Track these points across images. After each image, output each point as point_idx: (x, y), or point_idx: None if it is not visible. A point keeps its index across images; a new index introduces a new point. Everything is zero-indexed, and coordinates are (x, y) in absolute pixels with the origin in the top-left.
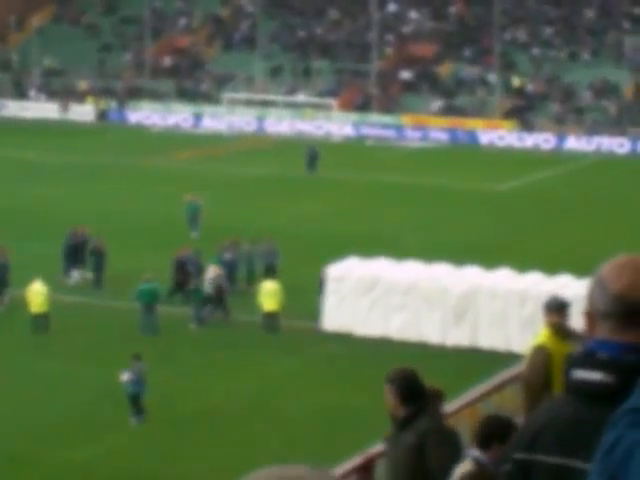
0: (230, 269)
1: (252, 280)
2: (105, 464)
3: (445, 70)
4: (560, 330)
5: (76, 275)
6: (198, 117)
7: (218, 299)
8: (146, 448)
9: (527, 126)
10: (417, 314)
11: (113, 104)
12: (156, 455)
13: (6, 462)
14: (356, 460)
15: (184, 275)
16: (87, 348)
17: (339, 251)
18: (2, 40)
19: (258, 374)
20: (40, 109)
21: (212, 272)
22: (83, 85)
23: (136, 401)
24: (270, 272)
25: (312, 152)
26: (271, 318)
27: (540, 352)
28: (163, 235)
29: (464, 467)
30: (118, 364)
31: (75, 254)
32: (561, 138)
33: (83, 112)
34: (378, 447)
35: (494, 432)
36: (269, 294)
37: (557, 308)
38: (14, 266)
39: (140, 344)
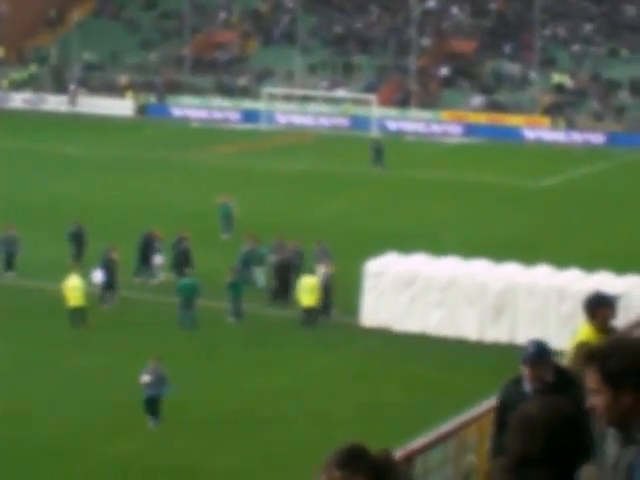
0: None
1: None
2: (142, 458)
3: (485, 66)
4: (605, 326)
5: (261, 278)
6: (238, 112)
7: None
8: (183, 442)
9: (567, 122)
10: (455, 310)
11: (152, 99)
12: (193, 450)
13: (44, 455)
14: (396, 455)
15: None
16: (126, 343)
17: (378, 247)
18: (43, 34)
19: (296, 369)
20: (81, 104)
21: (325, 268)
22: (123, 80)
23: (154, 404)
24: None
25: (377, 146)
26: (309, 313)
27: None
28: (201, 231)
29: None
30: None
31: (147, 254)
32: (601, 135)
33: (123, 107)
34: (417, 442)
35: None
36: (308, 289)
37: (607, 304)
38: (53, 262)
39: (179, 339)
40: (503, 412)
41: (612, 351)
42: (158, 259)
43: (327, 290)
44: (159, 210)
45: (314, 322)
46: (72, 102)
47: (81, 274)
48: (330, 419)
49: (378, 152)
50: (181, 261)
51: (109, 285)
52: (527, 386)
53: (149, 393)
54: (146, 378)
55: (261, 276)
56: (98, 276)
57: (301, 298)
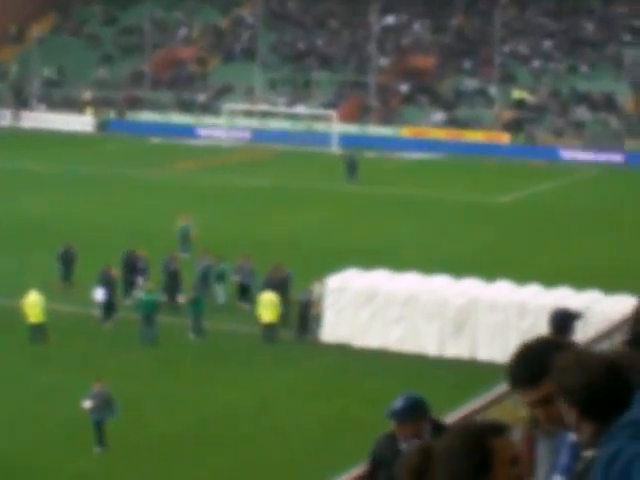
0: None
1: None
2: (95, 478)
3: (445, 82)
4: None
5: (222, 295)
6: (198, 128)
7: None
8: (139, 461)
9: (528, 138)
10: (416, 326)
11: (113, 115)
12: (150, 469)
13: (3, 472)
14: (357, 471)
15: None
16: (86, 359)
17: (338, 263)
18: (3, 50)
19: (257, 385)
20: (40, 119)
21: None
22: (86, 95)
23: (99, 429)
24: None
25: (351, 160)
26: (269, 329)
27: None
28: (160, 248)
29: None
30: (116, 374)
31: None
32: (560, 151)
33: (83, 122)
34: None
35: None
36: (268, 305)
37: (575, 318)
38: (14, 276)
39: (139, 354)
40: (376, 469)
41: (569, 366)
42: (141, 280)
43: (309, 307)
44: (119, 227)
45: (274, 338)
46: (16, 118)
47: (70, 294)
48: (292, 435)
49: (351, 166)
50: (172, 282)
51: (110, 303)
52: (402, 444)
53: (94, 418)
54: (87, 404)
55: (222, 292)
56: (99, 294)
57: (261, 314)
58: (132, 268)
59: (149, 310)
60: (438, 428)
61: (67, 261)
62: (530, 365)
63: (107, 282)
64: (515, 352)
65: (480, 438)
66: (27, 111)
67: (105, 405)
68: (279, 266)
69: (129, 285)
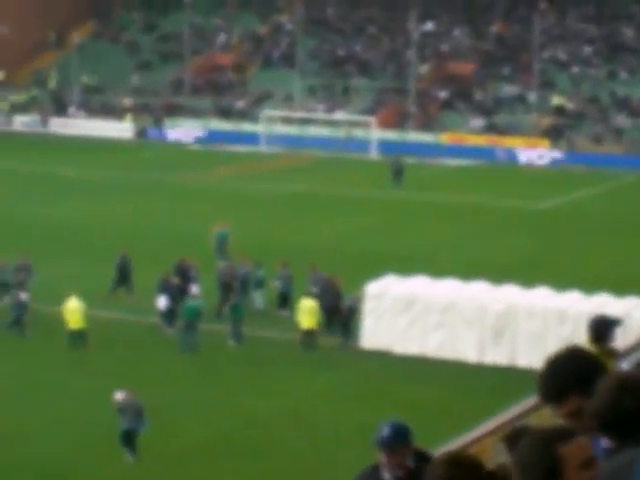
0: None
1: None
2: None
3: (484, 88)
4: (611, 348)
5: (260, 301)
6: (237, 134)
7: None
8: (180, 465)
9: (568, 145)
10: (455, 332)
11: (151, 121)
12: (192, 473)
13: (37, 477)
14: None
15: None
16: (124, 366)
17: (377, 269)
18: (43, 57)
19: (295, 392)
20: (80, 126)
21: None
22: (125, 102)
23: (130, 438)
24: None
25: (397, 165)
26: (309, 336)
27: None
28: (199, 254)
29: None
30: (155, 381)
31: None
32: (600, 157)
33: (122, 129)
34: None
35: None
36: (307, 312)
37: (614, 325)
38: (52, 283)
39: (178, 361)
40: None
41: None
42: (195, 288)
43: (354, 313)
44: (157, 233)
45: (314, 345)
46: (44, 123)
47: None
48: (330, 442)
49: (398, 171)
50: (226, 291)
51: (172, 310)
52: (386, 474)
53: (125, 426)
54: (119, 396)
55: (260, 299)
56: (162, 302)
57: (301, 320)
58: (184, 277)
59: (192, 317)
60: (422, 458)
61: (124, 270)
62: (557, 380)
63: (168, 290)
64: (543, 366)
65: (548, 445)
66: (64, 117)
67: (135, 415)
68: (333, 276)
69: (182, 293)
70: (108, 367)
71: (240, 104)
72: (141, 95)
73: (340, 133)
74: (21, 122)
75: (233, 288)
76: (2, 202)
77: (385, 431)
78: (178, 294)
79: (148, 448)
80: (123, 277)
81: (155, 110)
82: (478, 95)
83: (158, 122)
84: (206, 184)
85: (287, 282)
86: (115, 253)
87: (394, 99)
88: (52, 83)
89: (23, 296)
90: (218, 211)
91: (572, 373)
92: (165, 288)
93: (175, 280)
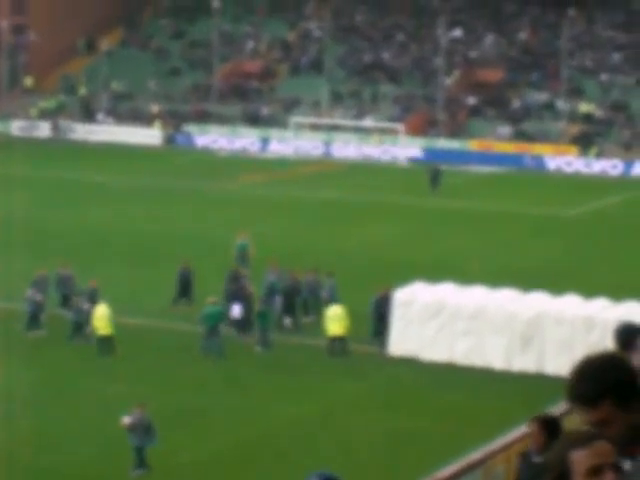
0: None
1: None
2: None
3: (513, 95)
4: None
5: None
6: (265, 141)
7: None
8: (207, 470)
9: (597, 152)
10: (483, 339)
11: (180, 128)
12: (225, 477)
13: None
14: None
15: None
16: (152, 372)
17: (406, 276)
18: (71, 63)
19: (323, 398)
20: (108, 132)
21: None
22: (154, 109)
23: (139, 454)
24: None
25: (435, 171)
26: (337, 342)
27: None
28: (227, 261)
29: None
30: (182, 387)
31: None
32: (629, 164)
33: (151, 136)
34: (445, 471)
35: None
36: (335, 318)
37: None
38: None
39: (206, 367)
40: None
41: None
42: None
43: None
44: (184, 239)
45: (342, 351)
46: (55, 130)
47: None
48: (357, 449)
49: (435, 177)
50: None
51: (247, 318)
52: None
53: (133, 442)
54: (127, 420)
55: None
56: (236, 310)
57: (328, 327)
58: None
59: (213, 322)
60: None
61: (184, 281)
62: (594, 383)
63: (243, 298)
64: (576, 367)
65: (562, 451)
66: (93, 124)
67: (145, 431)
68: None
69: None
70: (135, 373)
71: (268, 111)
72: (169, 102)
73: (368, 140)
74: (50, 128)
75: (294, 297)
76: (34, 209)
77: None
78: (251, 302)
79: (177, 454)
80: (184, 289)
81: (184, 117)
82: (506, 102)
83: (187, 129)
84: (234, 191)
85: (333, 291)
86: (144, 259)
87: (422, 106)
88: (82, 90)
89: (85, 306)
90: (247, 218)
91: (611, 378)
92: (240, 296)
93: (250, 289)
